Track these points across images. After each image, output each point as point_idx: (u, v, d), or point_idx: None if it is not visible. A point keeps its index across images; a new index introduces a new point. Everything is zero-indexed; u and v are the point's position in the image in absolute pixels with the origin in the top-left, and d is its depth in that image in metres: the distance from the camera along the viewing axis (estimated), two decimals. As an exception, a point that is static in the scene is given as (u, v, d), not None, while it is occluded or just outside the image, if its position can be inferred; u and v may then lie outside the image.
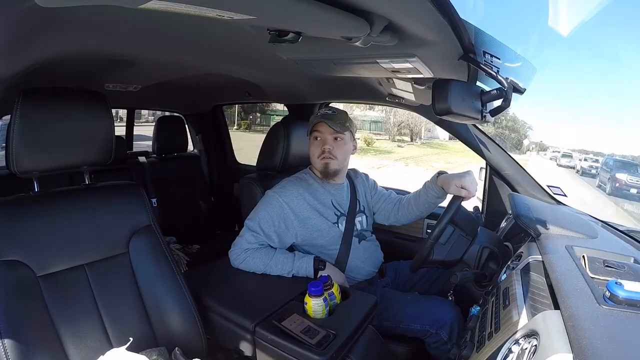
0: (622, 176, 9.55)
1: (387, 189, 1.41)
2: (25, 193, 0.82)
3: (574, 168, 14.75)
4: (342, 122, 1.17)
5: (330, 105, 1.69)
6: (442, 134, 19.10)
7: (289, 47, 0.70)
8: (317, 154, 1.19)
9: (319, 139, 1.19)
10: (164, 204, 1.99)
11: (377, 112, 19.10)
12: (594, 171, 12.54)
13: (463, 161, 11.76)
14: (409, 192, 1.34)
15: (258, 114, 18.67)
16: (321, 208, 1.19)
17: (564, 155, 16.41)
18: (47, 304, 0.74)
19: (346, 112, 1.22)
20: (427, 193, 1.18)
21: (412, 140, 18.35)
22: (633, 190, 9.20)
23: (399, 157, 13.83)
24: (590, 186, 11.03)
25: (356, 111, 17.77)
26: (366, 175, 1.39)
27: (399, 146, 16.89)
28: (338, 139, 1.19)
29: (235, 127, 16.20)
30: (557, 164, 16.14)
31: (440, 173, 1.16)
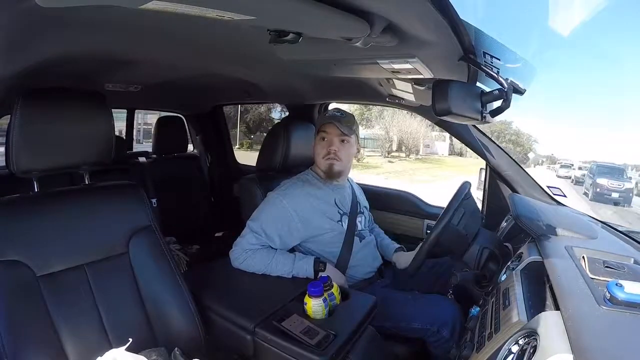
0: (603, 181, 9.46)
1: (376, 187, 1.45)
2: (25, 193, 0.81)
3: (570, 178, 13.91)
4: (350, 125, 1.18)
5: (338, 107, 1.70)
6: (441, 149, 17.74)
7: (289, 47, 0.70)
8: (323, 154, 1.20)
9: (325, 139, 1.20)
10: (164, 204, 1.99)
11: (376, 129, 17.57)
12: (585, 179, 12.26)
13: (446, 174, 11.40)
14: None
15: (264, 134, 18.29)
16: (325, 207, 1.19)
17: (562, 166, 15.37)
18: (47, 304, 0.74)
19: (354, 116, 1.24)
20: (383, 250, 1.36)
21: (407, 156, 17.62)
22: (614, 195, 9.09)
23: (383, 171, 13.11)
24: (577, 194, 10.52)
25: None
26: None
27: (389, 161, 15.61)
28: (344, 141, 1.19)
29: (237, 146, 15.40)
30: (557, 175, 15.26)
31: (397, 250, 1.33)
